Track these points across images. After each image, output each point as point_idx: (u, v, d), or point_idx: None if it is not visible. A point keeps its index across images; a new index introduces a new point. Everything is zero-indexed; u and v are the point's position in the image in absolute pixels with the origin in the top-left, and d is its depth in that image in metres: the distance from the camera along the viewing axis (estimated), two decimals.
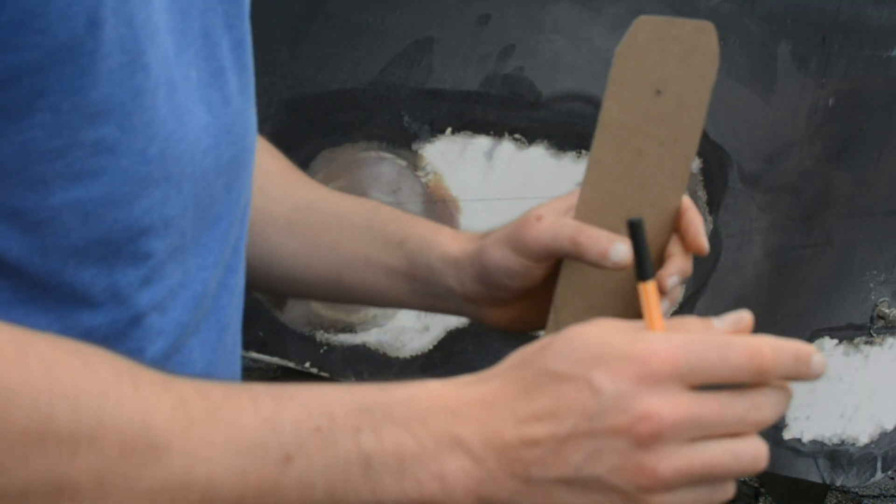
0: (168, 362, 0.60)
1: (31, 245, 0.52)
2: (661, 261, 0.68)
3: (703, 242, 0.68)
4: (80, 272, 0.54)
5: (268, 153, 0.84)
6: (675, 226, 0.68)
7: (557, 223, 0.67)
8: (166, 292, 0.59)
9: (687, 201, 0.69)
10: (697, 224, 0.68)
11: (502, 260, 0.70)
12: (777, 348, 0.50)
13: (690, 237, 0.68)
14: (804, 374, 0.51)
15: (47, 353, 0.46)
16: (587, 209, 0.66)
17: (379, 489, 0.48)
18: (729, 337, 0.50)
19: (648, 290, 0.53)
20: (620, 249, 0.63)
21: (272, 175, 0.82)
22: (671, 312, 1.20)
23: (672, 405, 0.48)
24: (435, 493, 0.49)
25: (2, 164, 0.49)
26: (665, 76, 0.61)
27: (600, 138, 0.62)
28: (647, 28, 0.59)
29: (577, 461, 0.49)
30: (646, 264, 0.54)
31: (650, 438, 0.48)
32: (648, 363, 0.49)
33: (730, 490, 0.51)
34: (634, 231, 0.54)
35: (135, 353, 0.57)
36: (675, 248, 0.69)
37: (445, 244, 0.76)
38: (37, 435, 0.44)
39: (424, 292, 0.77)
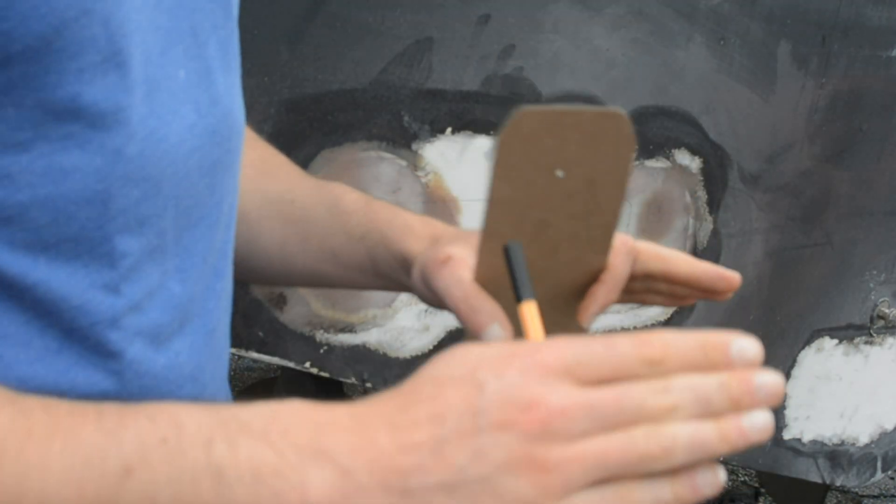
0: (153, 365, 0.60)
1: (1, 243, 0.51)
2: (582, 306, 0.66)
3: (729, 280, 0.71)
4: (53, 271, 0.53)
5: (245, 144, 0.84)
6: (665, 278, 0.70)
7: (453, 279, 0.64)
8: (144, 293, 0.58)
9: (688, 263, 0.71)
10: (711, 272, 0.70)
11: (422, 288, 0.70)
12: (671, 336, 0.47)
13: (710, 285, 0.71)
14: (721, 361, 0.47)
15: None
16: (484, 275, 0.63)
17: (231, 502, 0.45)
18: (615, 333, 0.47)
19: (527, 310, 0.52)
20: (494, 332, 0.62)
21: (245, 168, 0.80)
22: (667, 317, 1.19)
23: (560, 394, 0.44)
24: None
25: None
26: (566, 160, 0.56)
27: (492, 213, 0.58)
28: (531, 120, 0.55)
29: (460, 462, 0.44)
30: (522, 287, 0.52)
31: (539, 428, 0.44)
32: (534, 356, 0.45)
33: (646, 495, 0.45)
34: (508, 256, 0.53)
35: (114, 354, 0.57)
36: (598, 290, 0.66)
37: (399, 241, 0.74)
38: None
39: (394, 286, 0.76)
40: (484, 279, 0.63)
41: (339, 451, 0.45)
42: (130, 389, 0.58)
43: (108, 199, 0.54)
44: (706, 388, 0.46)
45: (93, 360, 0.56)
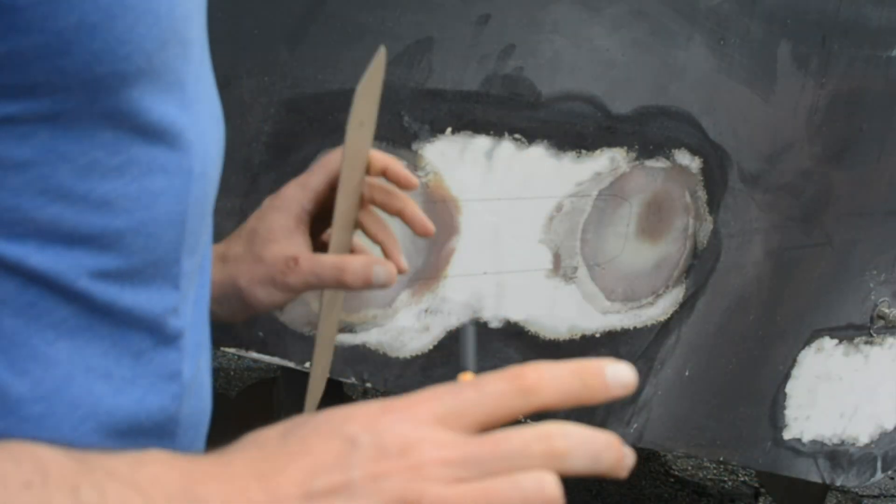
0: (197, 384, 0.61)
1: (96, 269, 0.52)
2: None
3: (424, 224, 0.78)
4: (136, 296, 0.54)
5: None
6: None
7: (317, 264, 0.72)
8: (189, 313, 0.59)
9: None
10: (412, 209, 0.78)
11: (268, 297, 0.75)
12: (545, 366, 0.47)
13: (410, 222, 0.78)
14: (600, 388, 0.47)
15: None
16: (338, 241, 0.73)
17: None
18: (488, 374, 0.46)
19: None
20: (380, 272, 0.69)
21: None
22: (667, 317, 1.19)
23: (435, 441, 0.44)
24: None
25: (67, 188, 0.50)
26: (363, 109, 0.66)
27: (346, 173, 0.68)
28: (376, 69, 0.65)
29: None
30: (466, 361, 0.53)
31: (414, 474, 0.44)
32: (405, 410, 0.45)
33: None
34: (463, 335, 0.54)
35: (176, 376, 0.58)
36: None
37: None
38: None
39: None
40: (337, 246, 0.73)
41: (212, 500, 0.44)
42: (186, 411, 0.59)
43: (185, 220, 0.56)
44: (586, 436, 0.45)
45: (160, 385, 0.57)
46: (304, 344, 1.30)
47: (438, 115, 1.29)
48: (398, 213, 0.79)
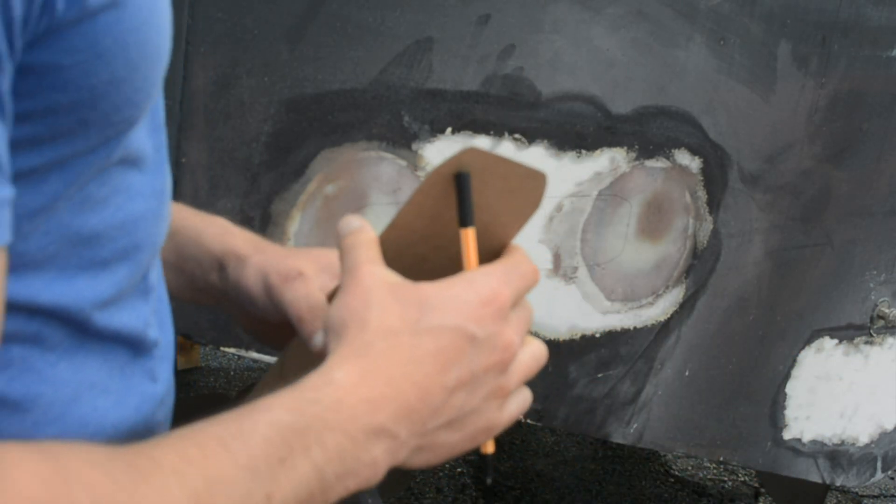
0: (170, 385, 0.64)
1: (93, 298, 0.55)
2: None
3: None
4: (126, 313, 0.58)
5: None
6: None
7: (303, 293, 0.74)
8: (159, 319, 0.62)
9: None
10: None
11: (258, 293, 0.76)
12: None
13: None
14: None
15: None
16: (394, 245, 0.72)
17: (330, 495, 0.53)
18: (514, 262, 0.60)
19: (468, 235, 0.61)
20: (319, 338, 0.72)
21: None
22: (667, 314, 1.20)
23: (515, 330, 0.59)
24: (369, 479, 0.54)
25: (66, 225, 0.52)
26: (481, 202, 0.64)
27: (390, 233, 0.65)
28: (473, 158, 0.61)
29: (460, 402, 0.57)
30: (466, 213, 0.60)
31: (508, 364, 0.58)
32: (496, 302, 0.57)
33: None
34: (459, 183, 0.60)
35: (157, 380, 0.62)
36: None
37: (216, 239, 0.78)
38: None
39: (189, 289, 0.80)
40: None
41: (389, 421, 0.55)
42: (165, 413, 0.63)
43: (158, 239, 0.60)
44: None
45: (149, 393, 0.61)
46: None
47: (438, 115, 1.29)
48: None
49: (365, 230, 0.61)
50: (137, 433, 0.58)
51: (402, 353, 0.56)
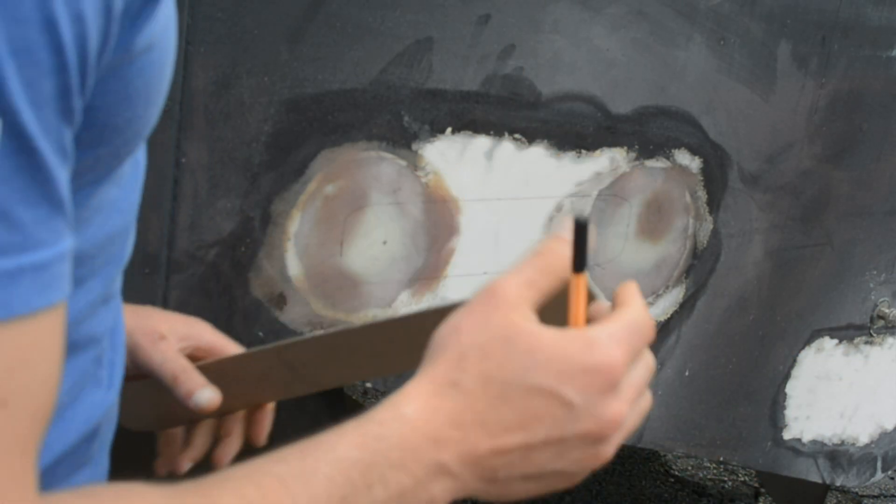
0: (120, 370, 0.65)
1: (84, 308, 0.56)
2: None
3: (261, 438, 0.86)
4: (107, 315, 0.59)
5: None
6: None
7: (168, 356, 0.77)
8: (116, 307, 0.64)
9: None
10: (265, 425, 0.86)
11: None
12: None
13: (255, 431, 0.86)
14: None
15: None
16: (218, 374, 0.78)
17: None
18: (637, 321, 0.57)
19: (579, 283, 0.57)
20: (204, 394, 0.75)
21: None
22: (667, 315, 1.19)
23: (625, 402, 0.55)
24: None
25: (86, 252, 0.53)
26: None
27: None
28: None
29: (543, 461, 0.55)
30: (581, 259, 0.57)
31: (613, 433, 0.55)
32: (609, 374, 0.54)
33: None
34: (577, 228, 0.57)
35: (117, 372, 0.63)
36: (235, 429, 0.85)
37: None
38: None
39: None
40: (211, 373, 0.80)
41: (453, 462, 0.54)
42: (111, 420, 0.64)
43: (128, 251, 0.61)
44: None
45: (110, 380, 0.62)
46: None
47: (438, 115, 1.29)
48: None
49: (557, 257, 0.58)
50: (87, 439, 0.59)
51: (485, 402, 0.54)
